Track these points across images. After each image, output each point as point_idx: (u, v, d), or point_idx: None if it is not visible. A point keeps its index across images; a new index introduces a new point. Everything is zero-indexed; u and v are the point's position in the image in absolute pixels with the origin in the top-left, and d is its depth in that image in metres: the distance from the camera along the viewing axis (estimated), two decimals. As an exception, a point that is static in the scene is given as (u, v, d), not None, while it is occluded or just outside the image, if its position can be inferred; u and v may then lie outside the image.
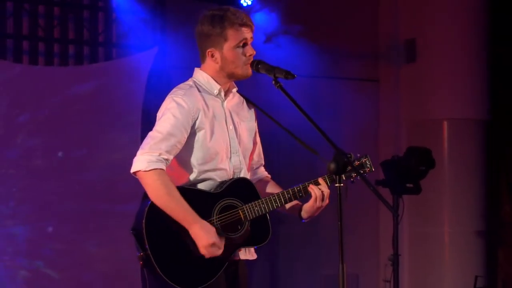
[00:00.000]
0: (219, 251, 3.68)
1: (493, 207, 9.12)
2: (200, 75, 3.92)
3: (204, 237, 3.65)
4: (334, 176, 3.70)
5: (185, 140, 3.76)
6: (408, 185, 7.53)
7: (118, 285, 6.76)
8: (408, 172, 7.52)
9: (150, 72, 6.91)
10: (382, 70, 9.25)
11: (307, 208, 3.96)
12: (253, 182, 4.02)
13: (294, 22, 7.92)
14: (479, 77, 8.77)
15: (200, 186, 3.82)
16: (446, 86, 8.69)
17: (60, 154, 6.78)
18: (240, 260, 3.90)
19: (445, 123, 8.73)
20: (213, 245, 3.66)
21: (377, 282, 8.98)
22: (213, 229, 3.69)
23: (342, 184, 3.69)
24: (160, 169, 3.66)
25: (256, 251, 3.99)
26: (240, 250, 3.85)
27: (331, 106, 8.56)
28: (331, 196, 3.88)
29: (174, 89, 3.88)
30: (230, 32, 3.82)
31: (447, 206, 8.67)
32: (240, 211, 3.79)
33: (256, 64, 3.87)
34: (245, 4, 7.37)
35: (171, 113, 3.75)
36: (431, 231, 8.73)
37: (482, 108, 8.82)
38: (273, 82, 3.81)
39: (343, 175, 3.68)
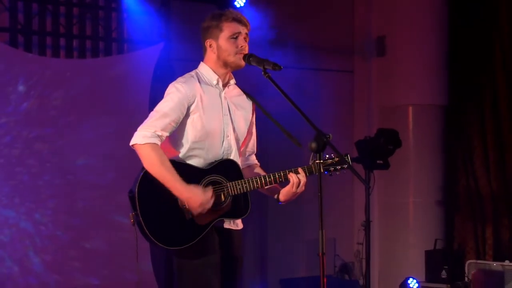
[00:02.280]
0: (208, 206, 3.68)
1: (451, 181, 9.15)
2: (203, 68, 3.94)
3: (193, 199, 3.66)
4: (315, 154, 3.72)
5: (180, 120, 3.78)
6: (378, 161, 7.55)
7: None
8: (378, 150, 7.53)
9: (156, 64, 6.91)
10: (356, 63, 9.26)
11: (284, 192, 3.98)
12: (244, 167, 4.03)
13: (278, 21, 7.92)
14: (439, 69, 8.81)
15: (192, 161, 3.83)
16: (411, 77, 8.71)
17: (89, 132, 6.74)
18: (231, 229, 3.91)
19: (410, 108, 8.75)
20: (201, 204, 3.67)
21: (352, 245, 9.01)
22: (198, 190, 3.69)
23: (321, 161, 3.71)
24: (154, 143, 3.69)
25: (242, 221, 3.99)
26: (225, 222, 3.86)
27: (312, 93, 8.54)
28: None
29: (178, 78, 3.91)
30: (225, 25, 3.87)
31: (412, 180, 8.70)
32: (224, 188, 3.80)
33: (248, 57, 3.89)
34: (238, 6, 7.32)
35: (169, 97, 3.79)
36: (398, 201, 8.76)
37: (442, 95, 8.84)
38: (263, 72, 3.83)
39: (321, 168, 3.74)
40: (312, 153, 3.79)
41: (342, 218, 8.92)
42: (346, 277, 8.82)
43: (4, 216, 6.41)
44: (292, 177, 3.88)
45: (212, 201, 3.70)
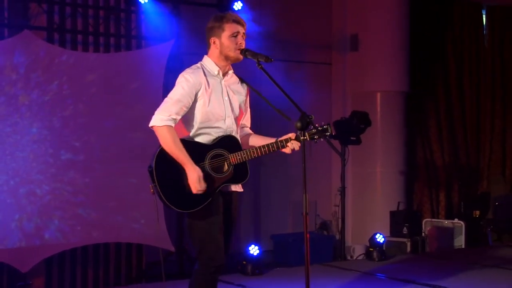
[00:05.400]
0: (201, 189, 3.65)
1: (411, 154, 9.17)
2: (206, 60, 3.91)
3: (195, 177, 3.64)
4: (299, 131, 3.71)
5: (190, 104, 3.75)
6: (352, 138, 7.57)
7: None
8: (352, 129, 7.54)
9: (168, 57, 6.87)
10: (334, 56, 9.23)
11: (286, 151, 3.93)
12: (242, 137, 4.01)
13: (269, 21, 7.90)
14: (402, 62, 8.81)
15: (200, 138, 3.81)
16: (379, 68, 8.71)
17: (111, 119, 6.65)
18: (233, 192, 3.89)
19: (378, 94, 8.76)
20: (199, 183, 3.64)
21: (330, 206, 9.02)
22: (201, 174, 3.67)
23: (306, 138, 3.70)
24: (170, 125, 3.68)
25: (243, 186, 3.97)
26: (231, 186, 3.84)
27: (297, 82, 8.53)
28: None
29: (186, 69, 3.87)
30: (227, 25, 3.82)
31: (379, 153, 8.71)
32: (226, 159, 3.78)
33: (244, 51, 3.85)
34: (236, 9, 7.26)
35: (180, 85, 3.75)
36: (368, 170, 8.77)
37: (404, 83, 8.85)
38: (257, 64, 3.80)
39: (308, 137, 3.73)
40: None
41: (322, 184, 8.93)
42: (325, 233, 8.84)
43: (52, 187, 6.34)
44: (289, 146, 3.83)
45: (203, 188, 3.66)
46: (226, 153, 3.79)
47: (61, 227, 6.33)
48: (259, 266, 6.30)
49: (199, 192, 3.66)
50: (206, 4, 7.40)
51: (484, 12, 9.81)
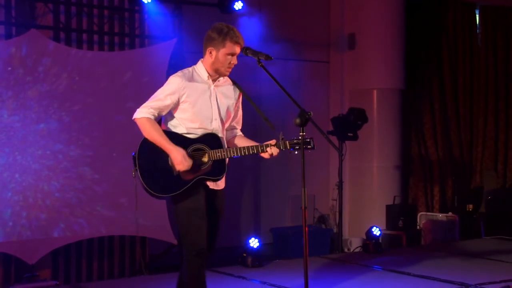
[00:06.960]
0: (188, 166, 3.77)
1: (406, 149, 9.16)
2: (199, 66, 3.97)
3: (179, 156, 3.76)
4: (299, 127, 3.74)
5: (170, 106, 3.87)
6: (349, 134, 7.56)
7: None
8: (349, 125, 7.53)
9: (171, 55, 6.87)
10: (332, 55, 9.21)
11: (265, 156, 3.98)
12: (230, 138, 4.09)
13: (268, 21, 7.89)
14: (398, 61, 8.80)
15: (190, 137, 3.90)
16: (375, 66, 8.70)
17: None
18: (218, 190, 3.96)
19: (375, 92, 8.74)
20: (184, 160, 3.75)
21: (328, 200, 9.01)
22: (184, 151, 3.78)
23: (304, 133, 3.72)
24: (148, 117, 3.83)
25: (225, 184, 4.01)
26: (209, 184, 3.91)
27: (296, 80, 8.53)
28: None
29: (178, 71, 3.95)
30: (228, 44, 3.85)
31: (376, 149, 8.70)
32: (206, 153, 3.84)
33: (245, 49, 3.89)
34: (236, 8, 7.23)
35: (167, 87, 3.89)
36: (364, 165, 8.76)
37: (400, 81, 8.83)
38: (257, 62, 3.84)
39: (288, 145, 3.85)
40: (281, 132, 3.86)
41: (320, 179, 8.92)
42: (323, 226, 8.84)
43: (61, 183, 6.30)
44: (268, 151, 3.90)
45: (189, 163, 3.77)
46: (207, 148, 3.86)
47: (70, 223, 6.31)
48: (259, 258, 6.29)
49: (186, 169, 3.75)
50: (207, 4, 7.39)
51: (477, 11, 9.81)
